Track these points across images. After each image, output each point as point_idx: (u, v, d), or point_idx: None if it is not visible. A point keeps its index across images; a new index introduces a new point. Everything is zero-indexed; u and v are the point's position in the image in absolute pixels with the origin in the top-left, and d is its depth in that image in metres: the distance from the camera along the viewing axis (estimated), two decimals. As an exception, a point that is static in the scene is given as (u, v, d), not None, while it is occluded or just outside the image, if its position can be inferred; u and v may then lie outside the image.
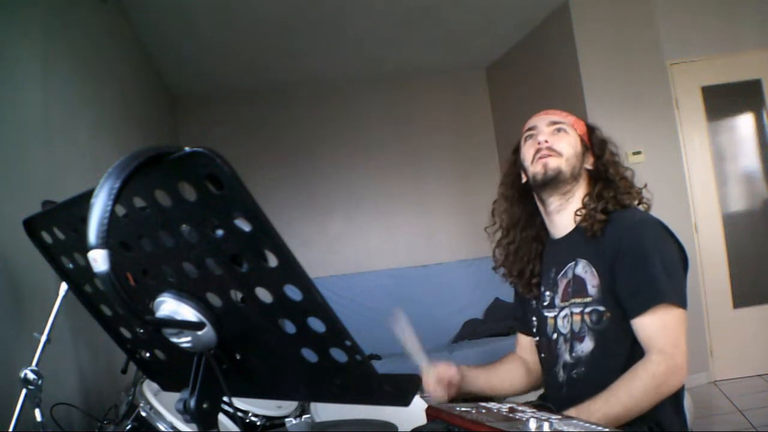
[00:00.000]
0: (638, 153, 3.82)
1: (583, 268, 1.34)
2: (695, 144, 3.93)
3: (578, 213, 1.38)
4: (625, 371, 1.23)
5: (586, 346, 1.33)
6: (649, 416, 1.22)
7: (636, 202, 1.38)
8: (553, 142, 1.39)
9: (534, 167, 1.40)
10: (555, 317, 1.40)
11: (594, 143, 1.44)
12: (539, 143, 1.39)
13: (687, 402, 1.37)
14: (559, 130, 1.41)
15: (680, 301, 1.24)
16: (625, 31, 3.91)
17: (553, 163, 1.37)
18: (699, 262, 3.87)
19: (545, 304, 1.45)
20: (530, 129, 1.45)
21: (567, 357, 1.37)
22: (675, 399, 1.28)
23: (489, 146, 5.17)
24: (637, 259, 1.26)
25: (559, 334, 1.39)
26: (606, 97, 3.86)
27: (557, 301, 1.40)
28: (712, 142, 3.96)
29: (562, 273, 1.40)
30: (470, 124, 5.23)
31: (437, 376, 1.44)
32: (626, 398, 1.16)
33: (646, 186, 1.43)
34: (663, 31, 3.90)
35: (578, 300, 1.34)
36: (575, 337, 1.35)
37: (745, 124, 4.12)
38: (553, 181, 1.38)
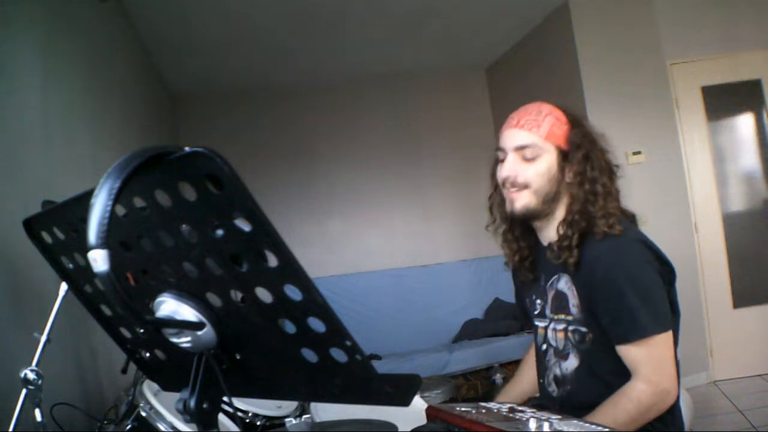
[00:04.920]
0: (638, 153, 3.83)
1: (565, 284, 1.31)
2: (695, 144, 3.93)
3: (552, 246, 1.31)
4: (611, 390, 1.21)
5: (571, 363, 1.32)
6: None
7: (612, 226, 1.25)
8: (519, 173, 1.29)
9: (507, 200, 1.34)
10: (545, 328, 1.39)
11: (572, 148, 1.29)
12: (504, 177, 1.31)
13: (686, 401, 1.37)
14: (525, 157, 1.29)
15: (661, 327, 1.20)
16: (625, 31, 3.91)
17: (520, 202, 1.30)
18: (699, 262, 3.88)
19: (536, 312, 1.43)
20: (500, 149, 1.35)
21: (557, 371, 1.36)
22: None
23: (489, 146, 5.13)
24: (611, 293, 1.21)
25: (549, 345, 1.38)
26: (606, 97, 3.86)
27: (548, 311, 1.38)
28: (712, 142, 3.96)
29: (549, 283, 1.37)
30: (470, 124, 5.23)
31: None
32: (612, 424, 1.13)
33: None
34: (663, 31, 3.91)
35: (562, 316, 1.32)
36: (559, 354, 1.34)
37: (745, 124, 4.12)
38: (525, 217, 1.33)
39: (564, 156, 1.29)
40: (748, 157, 4.05)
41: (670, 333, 1.22)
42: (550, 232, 1.34)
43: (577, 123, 1.32)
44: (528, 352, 1.60)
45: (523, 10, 4.07)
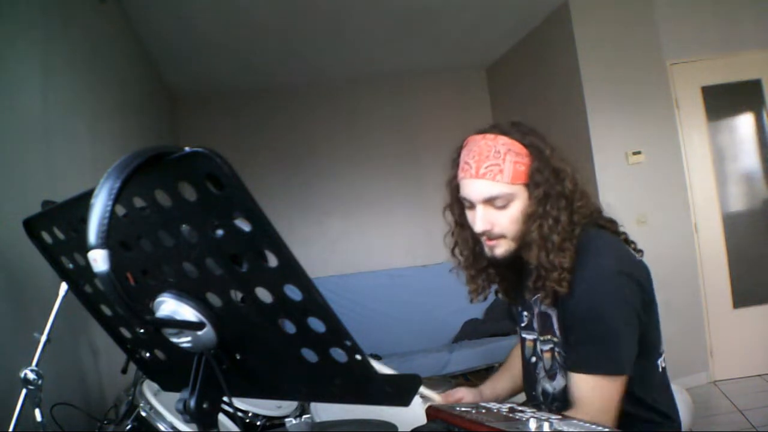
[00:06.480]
0: (638, 153, 3.83)
1: (548, 305, 1.28)
2: (695, 144, 3.93)
3: (531, 285, 1.27)
4: None
5: (559, 383, 1.29)
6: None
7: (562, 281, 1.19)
8: (494, 224, 1.23)
9: (485, 247, 1.29)
10: (534, 341, 1.35)
11: (531, 186, 1.21)
12: (480, 232, 1.26)
13: (686, 401, 1.37)
14: (496, 205, 1.22)
15: (615, 369, 1.15)
16: (625, 32, 3.91)
17: (499, 250, 1.26)
18: (699, 262, 3.88)
19: (523, 325, 1.39)
20: (464, 198, 1.28)
21: (547, 387, 1.33)
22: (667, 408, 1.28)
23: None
24: (577, 323, 1.18)
25: (539, 358, 1.35)
26: (606, 97, 3.86)
27: (535, 326, 1.34)
28: (712, 142, 3.96)
29: (534, 299, 1.33)
30: (470, 124, 5.18)
31: (447, 401, 1.47)
32: None
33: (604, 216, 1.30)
34: (663, 31, 3.91)
35: (548, 337, 1.29)
36: (548, 373, 1.32)
37: (745, 124, 4.12)
38: (508, 260, 1.29)
39: (533, 191, 1.23)
40: (748, 157, 4.06)
41: (623, 379, 1.17)
42: (531, 254, 1.28)
43: (537, 154, 1.21)
44: (516, 347, 1.59)
45: (523, 10, 4.07)
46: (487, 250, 1.29)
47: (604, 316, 1.16)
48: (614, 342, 1.17)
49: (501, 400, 1.54)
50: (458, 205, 1.35)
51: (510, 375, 1.59)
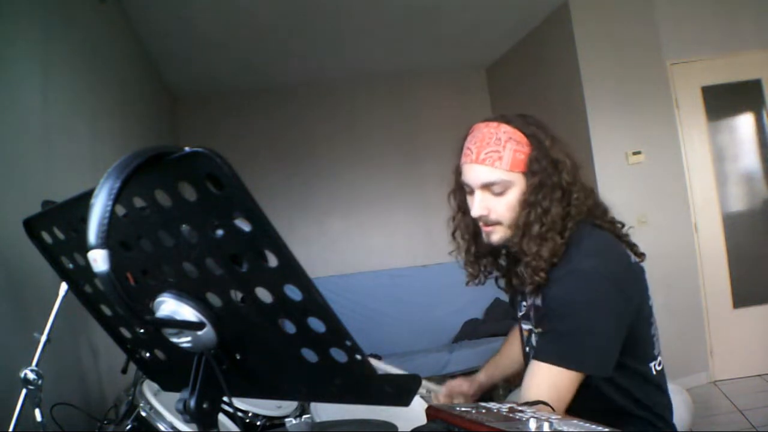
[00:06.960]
0: (638, 153, 3.83)
1: (540, 299, 1.28)
2: (695, 144, 3.93)
3: (519, 273, 1.29)
4: (595, 402, 1.19)
5: None
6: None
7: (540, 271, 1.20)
8: (491, 210, 1.25)
9: (482, 233, 1.32)
10: (530, 331, 1.36)
11: (527, 174, 1.22)
12: (477, 217, 1.28)
13: (686, 401, 1.37)
14: (494, 192, 1.24)
15: (579, 365, 1.14)
16: (625, 32, 3.91)
17: (495, 236, 1.28)
18: (699, 262, 3.88)
19: (521, 314, 1.40)
20: (465, 184, 1.30)
21: None
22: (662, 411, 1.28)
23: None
24: (549, 315, 1.19)
25: (531, 348, 1.35)
26: (606, 97, 3.86)
27: (531, 316, 1.35)
28: (712, 142, 3.96)
29: (529, 289, 1.32)
30: (470, 124, 5.19)
31: (447, 392, 1.50)
32: None
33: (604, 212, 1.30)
34: (663, 31, 3.91)
35: (541, 330, 1.28)
36: None
37: (745, 124, 4.12)
38: (503, 246, 1.31)
39: (530, 178, 1.24)
40: (748, 157, 4.05)
41: (579, 377, 1.15)
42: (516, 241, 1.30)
43: (537, 143, 1.23)
44: (513, 330, 1.61)
45: (523, 10, 4.07)
46: (484, 235, 1.31)
47: (577, 315, 1.16)
48: (582, 340, 1.16)
49: (498, 380, 1.60)
50: (461, 191, 1.38)
51: (508, 356, 1.62)
